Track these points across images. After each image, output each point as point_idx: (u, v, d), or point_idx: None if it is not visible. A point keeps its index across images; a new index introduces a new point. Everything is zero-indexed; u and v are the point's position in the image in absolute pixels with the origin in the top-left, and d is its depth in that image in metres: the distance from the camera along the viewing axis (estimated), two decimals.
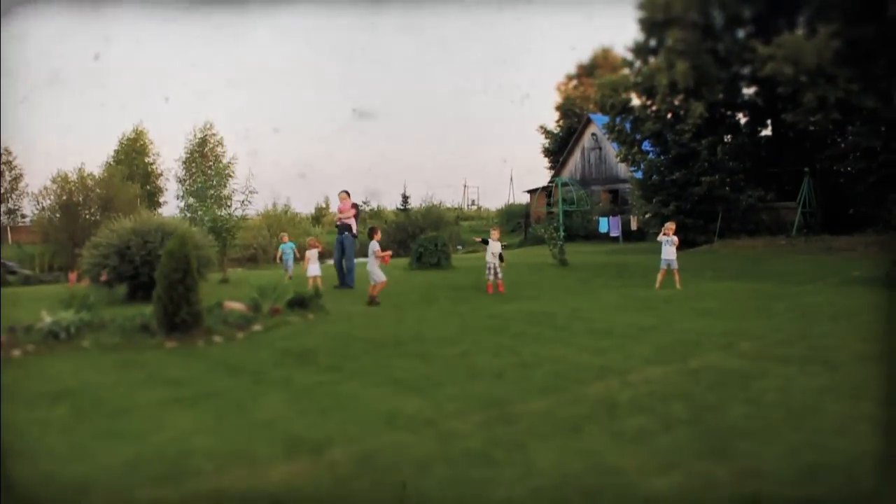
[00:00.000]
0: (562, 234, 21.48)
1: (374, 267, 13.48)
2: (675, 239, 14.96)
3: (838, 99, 21.56)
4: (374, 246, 13.70)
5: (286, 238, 20.23)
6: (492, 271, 14.73)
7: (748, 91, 28.07)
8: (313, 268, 16.82)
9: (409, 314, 11.85)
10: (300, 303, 11.82)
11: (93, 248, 14.37)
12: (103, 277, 13.68)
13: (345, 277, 16.36)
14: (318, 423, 5.85)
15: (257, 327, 10.33)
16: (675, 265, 14.88)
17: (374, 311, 12.29)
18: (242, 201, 19.57)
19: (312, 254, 16.97)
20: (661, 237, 15.05)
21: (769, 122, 28.45)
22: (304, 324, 10.87)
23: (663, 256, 14.94)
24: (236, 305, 11.43)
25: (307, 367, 8.00)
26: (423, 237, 21.12)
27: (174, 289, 9.52)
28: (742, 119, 28.44)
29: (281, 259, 19.76)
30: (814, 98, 21.73)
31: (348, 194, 16.96)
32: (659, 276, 15.00)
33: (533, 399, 6.38)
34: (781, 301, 12.37)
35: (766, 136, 28.52)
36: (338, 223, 17.08)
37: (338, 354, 8.58)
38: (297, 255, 20.05)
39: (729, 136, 27.88)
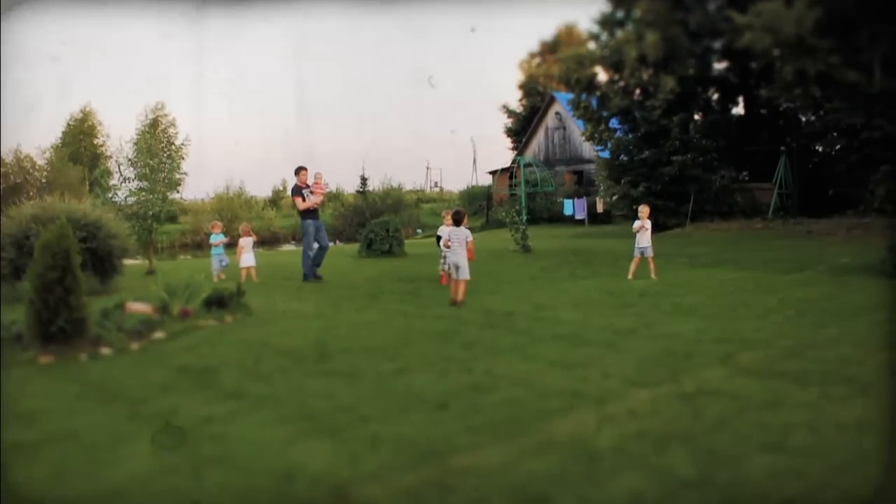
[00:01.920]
0: (524, 217, 19.87)
1: (465, 259, 10.95)
2: (648, 223, 13.44)
3: (818, 72, 20.13)
4: (468, 234, 11.23)
5: (217, 227, 16.31)
6: (446, 261, 13.08)
7: (719, 66, 26.65)
8: (247, 258, 15.10)
9: (347, 314, 10.17)
10: (218, 302, 10.09)
11: None
12: None
13: (314, 270, 14.41)
14: (182, 490, 4.19)
15: (159, 335, 8.58)
16: (649, 252, 13.36)
17: (305, 311, 10.56)
18: (164, 179, 17.70)
19: (246, 242, 15.23)
20: (636, 224, 13.47)
21: (742, 98, 27.08)
22: (219, 329, 9.15)
23: (637, 244, 13.40)
24: (140, 307, 9.67)
25: (202, 391, 6.30)
26: (373, 222, 19.37)
27: (50, 291, 7.75)
28: (714, 96, 27.00)
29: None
30: (792, 71, 20.27)
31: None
32: (632, 266, 13.47)
33: (483, 445, 4.75)
34: (772, 294, 10.89)
35: (738, 115, 27.13)
36: (312, 207, 14.60)
37: (246, 372, 6.89)
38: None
39: (699, 114, 26.45)
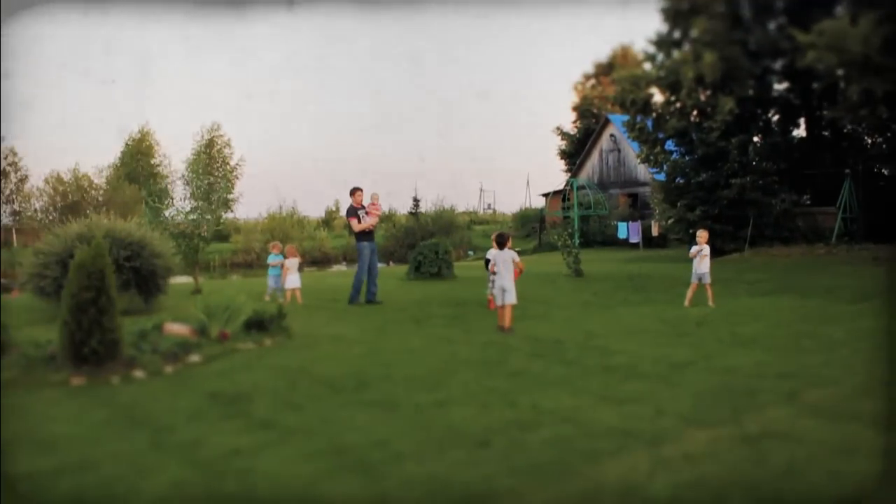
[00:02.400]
0: (576, 240, 19.38)
1: (512, 283, 10.53)
2: (706, 248, 12.89)
3: (886, 92, 19.35)
4: (514, 255, 10.75)
5: (277, 248, 15.92)
6: (493, 285, 12.73)
7: (780, 87, 25.92)
8: (292, 279, 14.91)
9: (390, 339, 9.83)
10: (258, 324, 9.84)
11: (34, 255, 12.46)
12: (14, 293, 11.76)
13: (373, 292, 14.12)
14: None
15: (194, 358, 8.34)
16: (707, 279, 12.80)
17: (347, 335, 10.25)
18: (218, 199, 17.64)
19: (292, 263, 15.03)
20: (694, 249, 12.93)
21: (803, 120, 26.24)
22: (257, 352, 8.88)
23: (695, 269, 12.85)
24: (179, 328, 9.48)
25: (232, 420, 6.01)
26: (422, 244, 19.04)
27: (84, 311, 7.57)
28: (774, 117, 26.20)
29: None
30: (858, 91, 19.53)
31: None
32: (689, 292, 12.93)
33: (525, 490, 4.35)
34: (837, 325, 10.27)
35: (800, 137, 26.26)
36: (368, 229, 14.15)
37: (279, 401, 6.59)
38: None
39: (759, 136, 25.67)
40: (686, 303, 12.78)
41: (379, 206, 14.47)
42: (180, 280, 22.78)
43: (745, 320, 10.91)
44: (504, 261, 10.50)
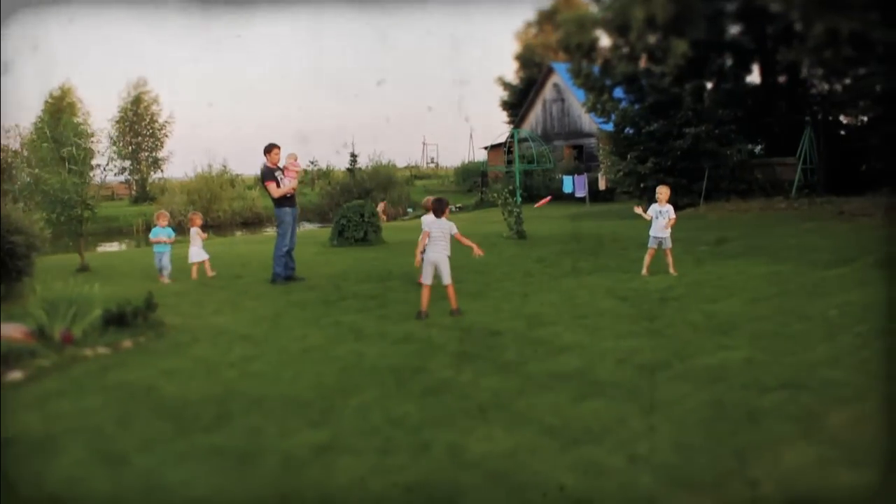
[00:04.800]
0: (518, 199, 17.49)
1: (446, 259, 8.64)
2: (669, 209, 11.13)
3: (852, 31, 17.70)
4: (452, 227, 8.74)
5: (163, 219, 12.86)
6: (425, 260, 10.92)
7: (733, 30, 24.18)
8: (195, 251, 12.71)
9: (284, 334, 7.85)
10: (119, 320, 7.79)
11: None
12: None
13: (292, 267, 11.92)
14: None
15: (15, 375, 6.30)
16: (668, 243, 11.08)
17: (233, 329, 8.22)
18: (105, 166, 15.36)
19: (195, 233, 12.86)
20: (652, 209, 11.16)
21: (758, 65, 24.59)
22: (105, 361, 6.84)
23: (653, 233, 11.11)
24: (14, 331, 7.36)
25: (18, 486, 4.05)
26: (346, 205, 16.90)
27: None
28: (728, 62, 24.47)
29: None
30: (822, 31, 17.84)
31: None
32: (647, 258, 11.18)
33: None
34: (825, 298, 8.61)
35: (755, 83, 24.60)
36: (289, 193, 11.89)
37: (92, 452, 4.63)
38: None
39: (711, 83, 23.96)
40: (644, 271, 11.05)
41: (298, 166, 12.22)
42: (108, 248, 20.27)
43: (717, 294, 9.19)
44: (442, 233, 8.55)
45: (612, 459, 4.16)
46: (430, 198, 11.70)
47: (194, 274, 12.50)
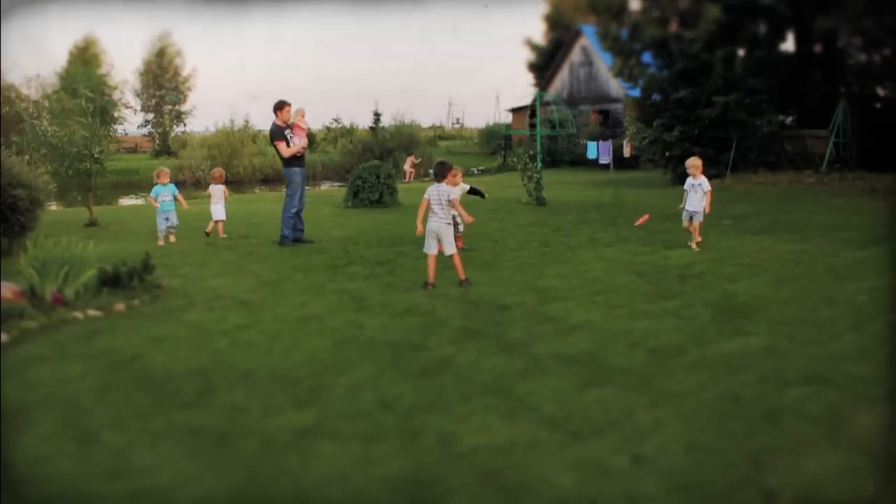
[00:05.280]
0: (539, 165, 17.02)
1: (448, 228, 8.23)
2: (703, 180, 10.58)
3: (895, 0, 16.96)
4: (451, 192, 8.38)
5: (164, 176, 12.13)
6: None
7: None
8: (217, 209, 12.39)
9: (284, 300, 7.55)
10: (114, 281, 7.52)
11: None
12: None
13: (300, 228, 11.61)
14: None
15: (1, 338, 6.05)
16: (699, 217, 10.59)
17: (233, 293, 7.93)
18: (117, 117, 15.05)
19: (216, 190, 12.53)
20: (687, 183, 10.67)
21: (793, 33, 23.73)
22: (94, 325, 6.58)
23: (688, 206, 10.61)
24: (5, 291, 7.10)
25: None
26: (361, 166, 16.52)
27: None
28: (762, 29, 23.62)
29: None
30: None
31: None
32: (695, 234, 10.64)
33: None
34: (854, 281, 8.17)
35: (788, 52, 23.74)
36: (300, 153, 11.55)
37: (64, 424, 4.36)
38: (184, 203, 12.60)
39: (743, 50, 23.14)
40: (694, 245, 10.53)
41: (306, 123, 11.85)
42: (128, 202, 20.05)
43: (739, 273, 8.76)
44: (440, 200, 8.16)
45: (616, 459, 3.82)
46: (456, 168, 11.25)
47: (220, 232, 12.22)
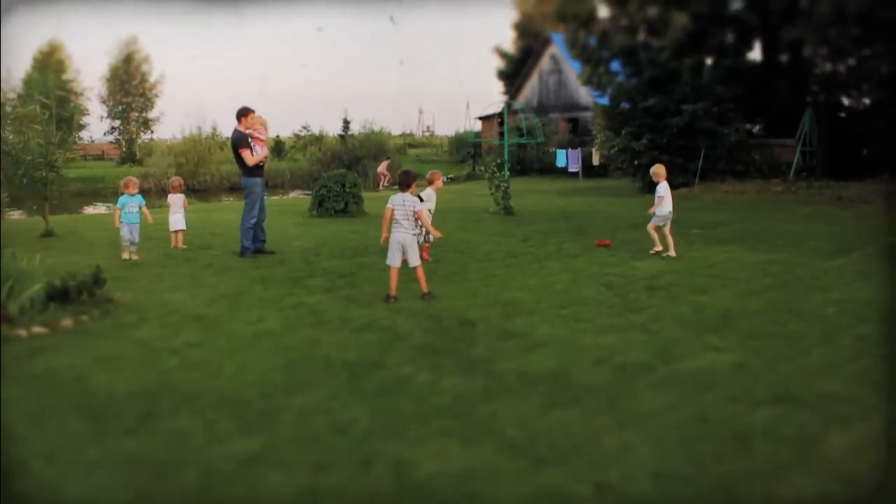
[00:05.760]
0: (506, 174, 16.85)
1: (413, 239, 7.94)
2: (660, 189, 10.69)
3: (860, 10, 17.02)
4: (416, 203, 8.01)
5: (133, 187, 11.21)
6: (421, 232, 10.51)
7: (736, 5, 23.36)
8: (176, 219, 12.00)
9: (241, 315, 7.27)
10: (62, 295, 7.21)
11: None
12: None
13: (262, 239, 11.32)
14: None
15: None
16: (656, 221, 10.70)
17: (187, 308, 7.63)
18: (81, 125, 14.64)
19: (175, 199, 12.16)
20: (661, 189, 10.80)
21: (758, 42, 23.81)
22: (37, 344, 6.26)
23: (660, 211, 10.69)
24: None
25: None
26: (326, 175, 16.28)
27: None
28: (729, 38, 23.66)
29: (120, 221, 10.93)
30: (829, 8, 17.17)
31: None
32: (657, 235, 10.84)
33: None
34: (823, 292, 8.09)
35: (755, 61, 23.80)
36: (262, 162, 11.24)
37: (4, 449, 4.08)
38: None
39: (710, 59, 23.16)
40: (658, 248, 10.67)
41: (264, 133, 11.49)
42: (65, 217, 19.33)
43: (708, 284, 8.63)
44: (405, 210, 7.92)
45: (579, 488, 3.61)
46: (436, 172, 11.11)
47: (180, 242, 11.86)
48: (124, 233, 10.91)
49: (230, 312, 7.36)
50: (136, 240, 11.00)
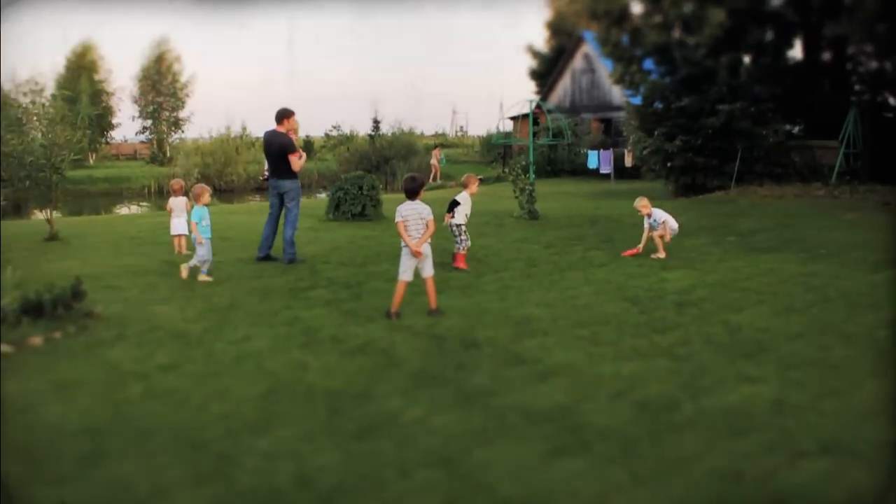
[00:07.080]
0: (531, 176, 16.12)
1: (427, 247, 7.28)
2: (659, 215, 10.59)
3: None
4: (425, 210, 7.29)
5: (205, 195, 9.40)
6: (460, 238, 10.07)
7: (776, 1, 22.43)
8: (177, 223, 11.45)
9: (227, 332, 6.66)
10: (36, 310, 6.66)
11: None
12: None
13: (292, 252, 10.48)
14: None
15: None
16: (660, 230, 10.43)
17: (172, 323, 7.04)
18: (78, 124, 14.19)
19: (176, 203, 11.60)
20: (661, 217, 10.82)
21: (799, 39, 22.83)
22: (6, 362, 5.72)
23: (672, 230, 10.33)
24: None
25: None
26: (344, 177, 15.66)
27: None
28: (768, 36, 22.70)
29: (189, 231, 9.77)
30: (875, 3, 16.24)
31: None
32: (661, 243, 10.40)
33: None
34: (870, 311, 7.32)
35: (796, 59, 22.83)
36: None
37: None
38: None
39: (749, 57, 22.23)
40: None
41: (296, 134, 10.83)
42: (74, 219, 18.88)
43: (744, 301, 7.88)
44: (417, 218, 7.24)
45: None
46: (471, 174, 10.63)
47: (183, 248, 11.31)
48: (202, 253, 9.20)
49: (217, 329, 6.76)
50: (202, 257, 9.28)
